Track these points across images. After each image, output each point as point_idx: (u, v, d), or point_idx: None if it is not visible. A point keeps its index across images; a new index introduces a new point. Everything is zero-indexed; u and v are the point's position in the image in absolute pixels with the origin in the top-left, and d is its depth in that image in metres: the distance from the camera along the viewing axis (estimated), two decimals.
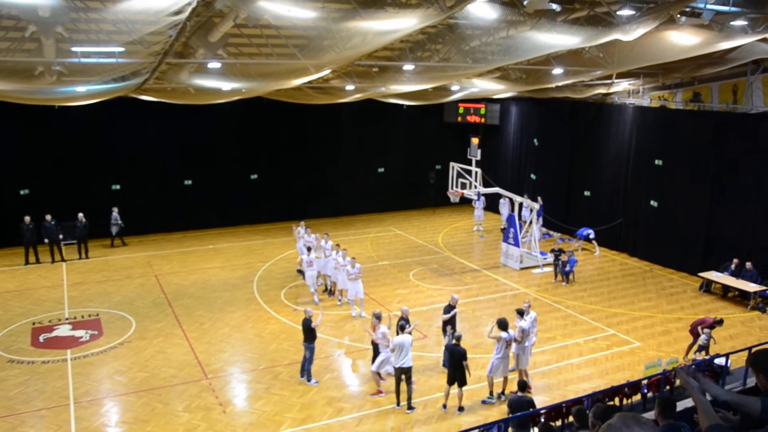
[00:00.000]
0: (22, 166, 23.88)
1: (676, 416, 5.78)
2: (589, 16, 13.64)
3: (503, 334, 13.19)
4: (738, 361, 13.67)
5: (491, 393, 13.48)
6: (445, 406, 13.09)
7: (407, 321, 13.87)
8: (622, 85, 23.72)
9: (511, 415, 11.16)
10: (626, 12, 12.61)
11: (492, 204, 29.45)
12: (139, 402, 13.26)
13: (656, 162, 23.37)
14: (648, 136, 23.83)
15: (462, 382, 12.87)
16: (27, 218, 22.12)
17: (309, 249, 19.39)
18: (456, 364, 12.77)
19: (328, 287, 19.83)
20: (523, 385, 11.66)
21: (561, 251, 21.75)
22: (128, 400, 13.38)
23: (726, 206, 21.01)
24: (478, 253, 25.25)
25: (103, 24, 12.05)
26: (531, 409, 11.12)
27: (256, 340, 16.46)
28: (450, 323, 14.89)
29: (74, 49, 12.51)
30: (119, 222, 24.64)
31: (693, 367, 12.38)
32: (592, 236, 25.26)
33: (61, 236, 22.85)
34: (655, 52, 15.56)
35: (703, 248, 21.85)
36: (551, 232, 27.70)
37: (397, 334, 13.20)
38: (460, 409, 12.99)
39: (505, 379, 13.63)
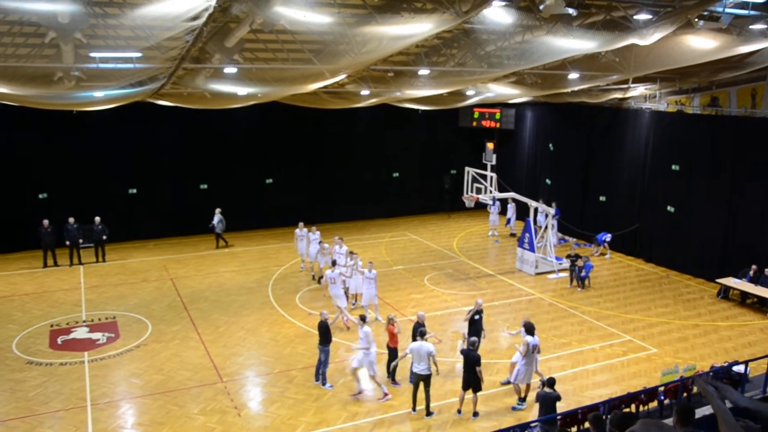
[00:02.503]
0: (40, 171, 24.13)
1: (694, 424, 5.71)
2: (606, 20, 13.59)
3: (529, 339, 13.14)
4: (757, 369, 13.53)
5: (522, 398, 13.39)
6: (459, 411, 13.04)
7: (424, 326, 13.84)
8: (639, 90, 23.58)
9: (539, 411, 11.55)
10: (643, 16, 12.57)
11: (505, 209, 29.36)
12: (155, 404, 13.33)
13: (673, 167, 23.18)
14: (665, 141, 23.64)
15: (476, 388, 12.82)
16: (45, 222, 22.35)
17: (334, 263, 18.54)
18: (470, 369, 12.73)
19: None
20: (552, 382, 11.63)
21: (577, 256, 21.62)
22: (144, 402, 13.46)
23: (744, 212, 20.80)
24: (493, 258, 25.18)
25: (121, 30, 12.18)
26: (557, 405, 11.32)
27: (271, 344, 16.50)
28: (470, 329, 14.75)
29: (93, 54, 12.65)
30: (215, 224, 25.21)
31: (711, 374, 12.29)
32: (608, 239, 25.17)
33: (81, 240, 23.08)
34: (672, 56, 15.47)
35: (720, 254, 21.65)
36: (567, 237, 27.56)
37: (414, 339, 13.19)
38: (475, 414, 12.95)
39: (528, 386, 13.56)
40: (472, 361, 12.67)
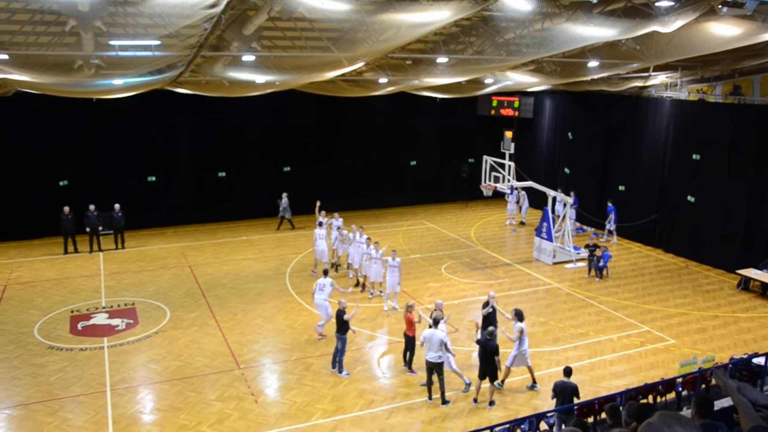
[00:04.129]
0: (61, 158, 24.41)
1: (713, 416, 5.66)
2: (627, 7, 13.40)
3: (522, 325, 13.50)
4: None
5: (533, 383, 13.74)
6: (476, 400, 13.06)
7: (441, 312, 13.92)
8: (659, 78, 23.27)
9: (555, 400, 11.57)
10: (665, 3, 12.36)
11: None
12: (173, 390, 13.49)
13: (694, 156, 22.90)
14: (685, 130, 23.34)
15: (493, 377, 12.83)
16: (66, 208, 22.61)
17: (320, 224, 20.80)
18: (488, 359, 12.73)
19: (360, 281, 19.82)
20: (569, 371, 11.63)
21: (596, 246, 21.44)
22: (162, 388, 13.62)
23: (766, 202, 20.51)
24: (511, 248, 25.08)
25: (140, 18, 12.23)
26: (575, 396, 11.33)
27: (288, 331, 16.60)
28: (487, 321, 14.72)
29: (112, 42, 12.71)
30: (285, 207, 26.14)
31: (730, 366, 12.18)
32: (611, 227, 25.18)
33: (100, 227, 23.30)
34: (694, 44, 15.22)
35: (741, 245, 21.37)
36: (584, 227, 27.38)
37: (430, 327, 13.22)
38: (491, 403, 12.95)
39: (531, 368, 13.86)
40: (490, 350, 12.67)
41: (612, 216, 25.29)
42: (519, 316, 13.70)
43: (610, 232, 25.63)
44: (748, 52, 17.92)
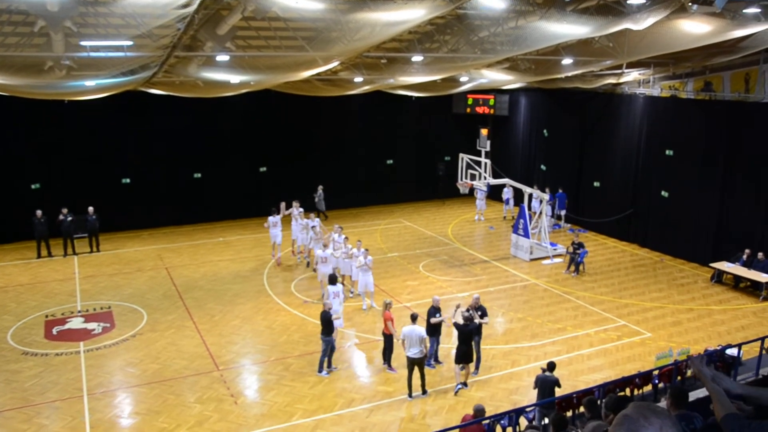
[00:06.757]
0: (33, 161, 24.00)
1: (688, 406, 5.76)
2: (599, 5, 13.56)
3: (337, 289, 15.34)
4: (750, 352, 13.63)
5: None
6: (463, 385, 13.25)
7: (438, 310, 14.05)
8: (633, 75, 23.55)
9: (537, 394, 11.64)
10: (637, 1, 12.52)
11: (495, 193, 29.53)
12: (151, 393, 13.36)
13: (667, 152, 23.21)
14: (659, 126, 23.66)
15: (468, 360, 13.15)
16: (39, 212, 22.25)
17: (326, 246, 19.20)
18: (465, 341, 12.92)
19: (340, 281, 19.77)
20: (552, 366, 11.74)
21: (580, 245, 21.47)
22: (141, 391, 13.49)
23: (738, 196, 20.87)
24: (488, 245, 25.21)
25: (111, 18, 12.08)
26: (556, 389, 11.46)
27: (266, 332, 16.53)
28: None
29: (83, 43, 12.54)
30: (319, 200, 26.89)
31: (705, 358, 12.33)
32: (559, 212, 26.33)
33: (75, 230, 22.95)
34: (666, 41, 15.44)
35: (714, 238, 21.73)
36: (560, 223, 27.62)
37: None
38: (464, 384, 13.34)
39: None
40: (467, 332, 12.91)
41: (556, 202, 26.15)
42: (332, 279, 15.09)
43: (558, 217, 26.78)
44: (718, 49, 18.22)
